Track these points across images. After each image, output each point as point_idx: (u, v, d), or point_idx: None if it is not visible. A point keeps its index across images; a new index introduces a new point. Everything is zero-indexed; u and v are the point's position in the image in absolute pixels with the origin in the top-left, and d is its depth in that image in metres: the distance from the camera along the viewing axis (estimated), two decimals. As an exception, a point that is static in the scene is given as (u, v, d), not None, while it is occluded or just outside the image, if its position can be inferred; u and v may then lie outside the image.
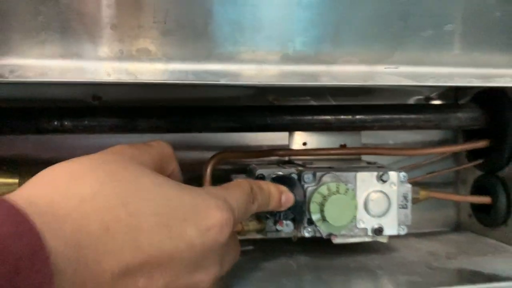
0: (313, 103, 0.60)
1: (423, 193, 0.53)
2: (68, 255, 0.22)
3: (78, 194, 0.24)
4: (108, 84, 0.55)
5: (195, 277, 0.28)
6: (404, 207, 0.48)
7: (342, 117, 0.54)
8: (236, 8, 0.33)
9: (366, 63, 0.37)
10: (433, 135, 0.63)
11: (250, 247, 0.54)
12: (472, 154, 0.59)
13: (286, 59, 0.36)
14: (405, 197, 0.48)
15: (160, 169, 0.32)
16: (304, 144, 0.59)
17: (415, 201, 0.53)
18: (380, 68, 0.38)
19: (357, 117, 0.54)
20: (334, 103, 0.59)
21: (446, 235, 0.61)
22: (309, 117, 0.54)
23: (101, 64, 0.35)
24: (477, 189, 0.59)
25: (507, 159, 0.53)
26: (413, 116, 0.54)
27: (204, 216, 0.28)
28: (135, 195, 0.26)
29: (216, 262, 0.29)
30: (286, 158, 0.57)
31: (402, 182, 0.48)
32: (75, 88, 0.56)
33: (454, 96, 0.64)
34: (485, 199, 0.56)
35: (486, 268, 0.46)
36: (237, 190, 0.34)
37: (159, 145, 0.34)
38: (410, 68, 0.38)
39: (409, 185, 0.48)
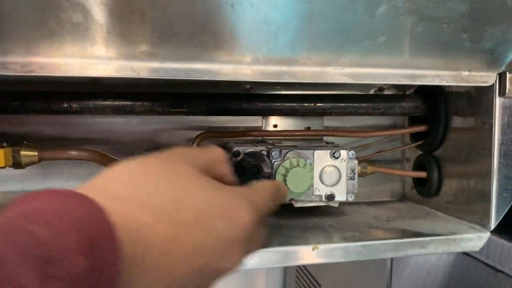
0: (283, 92, 0.70)
1: (370, 168, 0.65)
2: (129, 234, 0.26)
3: (133, 183, 0.30)
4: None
5: (222, 264, 0.32)
6: (352, 178, 0.60)
7: (306, 104, 0.65)
8: (218, 23, 0.43)
9: (319, 65, 0.48)
10: (384, 120, 0.75)
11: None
12: (414, 137, 0.71)
13: (256, 61, 0.47)
14: (352, 171, 0.60)
15: (211, 172, 0.36)
16: (275, 126, 0.70)
17: (363, 174, 0.65)
18: (329, 69, 0.49)
19: (318, 104, 0.65)
20: (300, 92, 0.70)
21: (391, 204, 0.73)
22: (279, 104, 0.65)
23: (111, 62, 0.45)
24: (417, 166, 0.71)
25: (440, 141, 0.65)
26: (363, 104, 0.66)
27: (235, 216, 0.32)
28: (182, 194, 0.31)
29: (240, 253, 0.33)
30: (260, 138, 0.68)
31: (350, 158, 0.60)
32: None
33: (403, 87, 0.75)
34: (422, 174, 0.68)
35: (415, 227, 0.58)
36: (264, 192, 0.38)
37: (213, 150, 0.38)
38: (353, 69, 0.49)
39: (356, 161, 0.59)
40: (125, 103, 0.61)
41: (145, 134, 0.68)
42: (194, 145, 0.58)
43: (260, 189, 0.38)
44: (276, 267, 1.36)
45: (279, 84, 0.61)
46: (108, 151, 0.62)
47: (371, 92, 0.75)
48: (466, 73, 0.52)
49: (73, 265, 0.21)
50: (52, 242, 0.21)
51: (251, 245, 0.35)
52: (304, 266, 1.28)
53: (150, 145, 0.67)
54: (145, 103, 0.61)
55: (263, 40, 0.45)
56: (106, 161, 0.59)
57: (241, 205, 0.33)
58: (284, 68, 0.47)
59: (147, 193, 0.30)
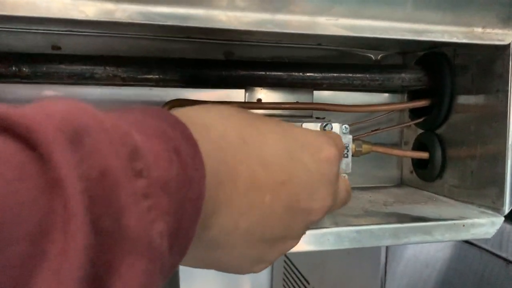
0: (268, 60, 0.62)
1: (365, 147, 0.57)
2: (214, 156, 0.24)
3: (216, 110, 0.28)
4: (68, 34, 0.57)
5: (311, 203, 0.30)
6: (345, 156, 0.52)
7: (294, 73, 0.57)
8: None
9: (308, 14, 0.40)
10: (380, 98, 0.67)
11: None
12: (414, 114, 0.64)
13: (233, 6, 0.39)
14: (346, 147, 0.52)
15: None
16: (259, 100, 0.62)
17: (358, 153, 0.57)
18: (321, 19, 0.41)
19: (308, 74, 0.57)
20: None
21: (388, 189, 0.66)
22: (263, 73, 0.57)
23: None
24: (417, 146, 0.63)
25: (444, 117, 0.58)
26: (359, 74, 0.58)
27: (318, 149, 0.30)
28: (261, 120, 0.30)
29: (330, 193, 0.31)
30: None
31: (344, 133, 0.52)
32: (35, 38, 0.57)
33: (402, 61, 0.68)
34: (424, 154, 0.60)
35: (416, 212, 0.51)
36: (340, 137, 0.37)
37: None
38: (349, 20, 0.41)
39: (350, 136, 0.52)
40: (84, 67, 0.53)
41: (112, 107, 0.59)
42: (162, 113, 0.50)
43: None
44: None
45: (262, 35, 0.52)
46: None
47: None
48: (480, 29, 0.45)
49: (161, 169, 0.19)
50: (144, 143, 0.19)
51: (336, 194, 0.32)
52: (291, 262, 1.21)
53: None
54: (107, 67, 0.53)
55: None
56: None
57: (324, 139, 0.32)
58: (267, 16, 0.39)
59: (228, 115, 0.28)
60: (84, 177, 0.16)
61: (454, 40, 0.44)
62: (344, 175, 0.52)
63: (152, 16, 0.37)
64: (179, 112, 0.26)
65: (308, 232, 0.43)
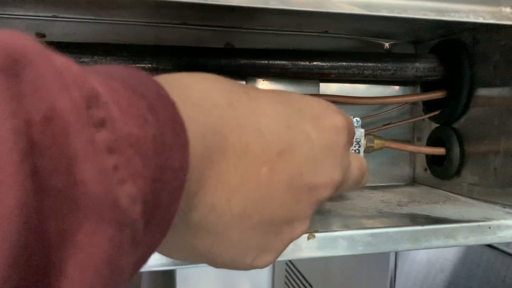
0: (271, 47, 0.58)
1: (377, 142, 0.53)
2: (197, 119, 0.21)
3: (199, 74, 0.24)
4: (53, 20, 0.52)
5: (316, 177, 0.25)
6: (356, 151, 0.47)
7: (299, 62, 0.53)
8: None
9: (318, -11, 0.36)
10: (393, 91, 0.63)
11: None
12: (428, 107, 0.59)
13: (233, -20, 0.34)
14: (357, 142, 0.47)
15: None
16: (261, 93, 0.57)
17: (369, 149, 0.53)
18: (332, -5, 0.36)
19: (314, 63, 0.53)
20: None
21: (400, 188, 0.61)
22: (265, 61, 0.52)
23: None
24: (432, 142, 0.59)
25: (462, 110, 0.53)
26: (370, 64, 0.53)
27: (322, 116, 0.27)
28: (256, 89, 0.26)
29: (338, 166, 0.27)
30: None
31: (356, 127, 0.47)
32: (19, 25, 0.52)
33: (415, 51, 0.63)
34: (440, 150, 0.55)
35: (435, 213, 0.46)
36: None
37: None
38: (364, -3, 0.37)
39: (362, 130, 0.47)
40: (70, 55, 0.48)
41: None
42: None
43: None
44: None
45: (265, 15, 0.48)
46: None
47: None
48: (508, 9, 0.40)
49: (131, 125, 0.16)
50: (109, 93, 0.16)
51: (346, 169, 0.28)
52: (293, 264, 1.17)
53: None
54: (95, 56, 0.48)
55: None
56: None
57: (329, 107, 0.28)
58: (272, -8, 0.35)
59: (214, 79, 0.24)
60: (21, 117, 0.12)
61: (481, 20, 0.39)
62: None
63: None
64: (155, 77, 0.22)
65: (317, 235, 0.38)
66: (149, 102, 0.17)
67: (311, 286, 1.07)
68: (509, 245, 0.60)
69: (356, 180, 0.31)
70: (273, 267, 1.27)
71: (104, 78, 0.16)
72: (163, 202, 0.17)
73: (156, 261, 0.33)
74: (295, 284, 1.16)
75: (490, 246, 0.63)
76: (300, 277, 1.13)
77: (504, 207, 0.47)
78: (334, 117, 0.27)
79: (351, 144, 0.31)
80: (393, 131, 0.62)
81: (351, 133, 0.29)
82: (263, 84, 0.57)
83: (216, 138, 0.22)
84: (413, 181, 0.65)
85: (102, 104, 0.15)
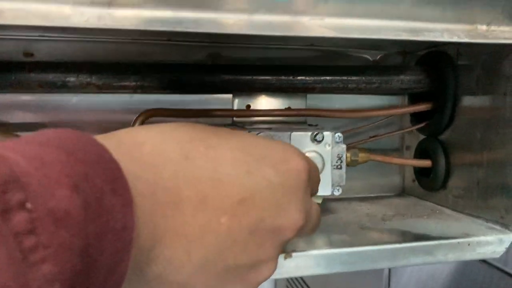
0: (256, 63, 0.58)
1: (362, 155, 0.53)
2: (146, 177, 0.21)
3: (157, 127, 0.24)
4: (40, 39, 0.53)
5: (278, 221, 0.25)
6: (338, 167, 0.48)
7: (283, 77, 0.53)
8: None
9: (288, 13, 0.36)
10: (379, 100, 0.63)
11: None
12: (415, 119, 0.59)
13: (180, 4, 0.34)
14: (339, 158, 0.48)
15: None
16: (248, 107, 0.58)
17: (354, 163, 0.53)
18: (304, 18, 0.36)
19: (298, 78, 0.53)
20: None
21: (389, 199, 0.61)
22: (249, 77, 0.53)
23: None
24: (419, 153, 0.59)
25: (448, 122, 0.53)
26: (354, 77, 0.53)
27: (283, 159, 0.27)
28: (212, 132, 0.26)
29: (299, 209, 0.27)
30: (230, 121, 0.56)
31: (337, 142, 0.47)
32: (7, 44, 0.53)
33: (402, 62, 0.63)
34: (426, 163, 0.55)
35: (417, 228, 0.46)
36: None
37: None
38: (336, 19, 0.37)
39: (343, 146, 0.47)
40: (55, 75, 0.49)
41: (89, 116, 0.55)
42: (136, 125, 0.46)
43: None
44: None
45: (240, 37, 0.48)
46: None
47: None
48: (484, 27, 0.40)
49: (55, 198, 0.16)
50: (34, 170, 0.16)
51: (309, 213, 0.28)
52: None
53: (91, 132, 0.55)
54: (80, 75, 0.49)
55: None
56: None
57: (288, 148, 0.28)
58: (243, 16, 0.35)
59: (169, 129, 0.25)
60: None
61: (455, 39, 0.39)
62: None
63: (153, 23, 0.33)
64: (108, 134, 0.23)
65: (294, 255, 0.39)
66: (86, 167, 0.17)
67: (310, 291, 1.07)
68: (507, 264, 0.60)
69: (315, 226, 0.31)
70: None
71: (36, 150, 0.17)
72: (104, 266, 0.17)
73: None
74: (295, 289, 1.16)
75: (487, 262, 0.63)
76: (301, 281, 1.14)
77: (486, 222, 0.47)
78: (296, 161, 0.27)
79: (315, 187, 0.31)
80: (382, 140, 0.62)
81: (313, 177, 0.29)
82: (250, 98, 0.57)
83: (168, 193, 0.21)
84: (402, 191, 0.65)
85: (21, 186, 0.15)
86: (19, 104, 0.55)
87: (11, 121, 0.55)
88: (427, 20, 0.39)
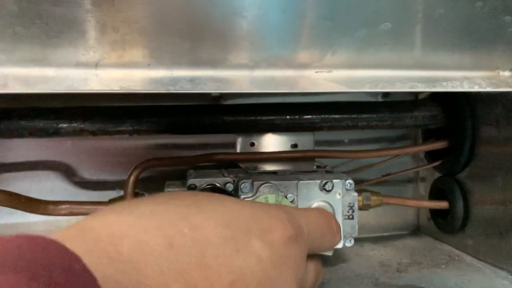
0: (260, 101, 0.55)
1: (374, 199, 0.50)
2: (128, 279, 0.19)
3: (134, 211, 0.23)
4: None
5: None
6: (350, 217, 0.44)
7: (288, 117, 0.50)
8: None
9: (293, 67, 0.33)
10: (392, 132, 0.59)
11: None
12: (431, 154, 0.55)
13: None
14: (351, 207, 0.44)
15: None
16: (252, 144, 0.54)
17: (366, 207, 0.50)
18: (310, 72, 0.33)
19: (305, 117, 0.50)
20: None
21: (403, 239, 0.58)
22: (253, 118, 0.50)
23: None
24: (435, 192, 0.55)
25: (465, 161, 0.50)
26: (364, 115, 0.50)
27: (267, 228, 0.26)
28: (195, 206, 0.24)
29: (292, 280, 0.26)
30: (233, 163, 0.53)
31: (348, 190, 0.44)
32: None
33: (415, 93, 0.60)
34: (442, 204, 0.52)
35: (435, 283, 0.43)
36: (315, 212, 0.32)
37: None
38: (344, 71, 0.34)
39: (355, 194, 0.44)
40: (46, 122, 0.46)
41: (81, 161, 0.53)
42: (131, 180, 0.43)
43: (312, 209, 0.34)
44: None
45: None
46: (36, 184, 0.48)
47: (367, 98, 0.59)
48: (507, 73, 0.37)
49: None
50: None
51: (301, 280, 0.27)
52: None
53: (86, 177, 0.52)
54: (73, 121, 0.46)
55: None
56: (18, 203, 0.44)
57: (270, 213, 0.27)
58: (243, 73, 0.32)
59: (149, 213, 0.23)
60: None
61: (476, 88, 0.36)
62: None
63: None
64: (82, 226, 0.21)
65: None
66: (49, 282, 0.15)
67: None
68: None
69: (312, 283, 0.30)
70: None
71: None
72: None
73: None
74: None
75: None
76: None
77: (510, 274, 0.44)
78: (280, 229, 0.26)
79: (317, 245, 0.30)
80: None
81: (303, 240, 0.28)
82: (255, 136, 0.54)
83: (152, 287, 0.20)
84: (417, 229, 0.61)
85: None
86: (12, 145, 0.53)
87: (5, 161, 0.53)
88: (444, 68, 0.35)
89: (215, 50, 0.32)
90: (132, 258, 0.20)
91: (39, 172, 0.53)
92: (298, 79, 0.33)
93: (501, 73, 0.36)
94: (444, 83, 0.35)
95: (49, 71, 0.30)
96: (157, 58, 0.31)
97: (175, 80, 0.31)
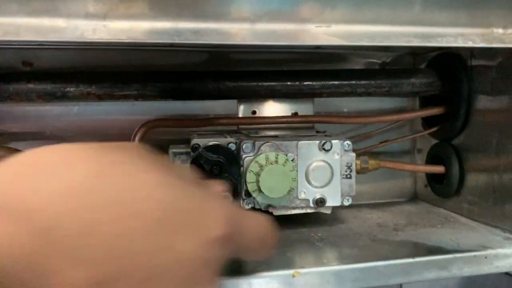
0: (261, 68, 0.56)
1: (372, 163, 0.51)
2: (34, 258, 0.19)
3: (56, 188, 0.20)
4: (40, 48, 0.52)
5: None
6: (348, 177, 0.46)
7: (288, 83, 0.51)
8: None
9: (294, 21, 0.34)
10: (390, 102, 0.61)
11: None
12: (428, 122, 0.57)
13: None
14: (349, 167, 0.46)
15: None
16: (254, 113, 0.56)
17: (364, 171, 0.51)
18: (310, 26, 0.35)
19: (305, 83, 0.51)
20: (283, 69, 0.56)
21: (400, 205, 0.59)
22: (254, 84, 0.51)
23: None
24: (431, 158, 0.57)
25: (461, 126, 0.51)
26: (363, 82, 0.52)
27: (204, 228, 0.23)
28: (126, 194, 0.21)
29: (211, 280, 0.24)
30: (235, 128, 0.54)
31: (346, 151, 0.46)
32: (5, 54, 0.52)
33: (413, 63, 0.61)
34: (439, 169, 0.53)
35: (431, 239, 0.44)
36: (258, 217, 0.29)
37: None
38: (343, 26, 0.35)
39: (353, 154, 0.46)
40: (55, 85, 0.47)
41: (88, 127, 0.54)
42: (137, 138, 0.44)
43: (250, 214, 0.28)
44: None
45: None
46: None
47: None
48: (500, 30, 0.38)
49: None
50: None
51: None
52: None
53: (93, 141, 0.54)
54: (80, 85, 0.48)
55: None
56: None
57: (215, 212, 0.24)
58: (245, 25, 0.34)
59: (69, 192, 0.20)
60: None
61: (470, 44, 0.37)
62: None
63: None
64: None
65: (303, 272, 0.37)
66: None
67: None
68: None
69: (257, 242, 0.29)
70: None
71: None
72: None
73: None
74: None
75: (508, 274, 0.61)
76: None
77: (503, 232, 0.45)
78: (217, 229, 0.24)
79: (234, 251, 0.27)
80: (392, 143, 0.60)
81: (233, 243, 0.25)
82: (256, 104, 0.55)
83: (64, 278, 0.19)
84: (414, 197, 0.63)
85: None
86: (18, 114, 0.54)
87: (11, 130, 0.54)
88: (440, 25, 0.37)
89: (218, 3, 0.33)
90: (43, 237, 0.19)
91: (44, 142, 0.55)
92: (298, 33, 0.34)
93: (495, 30, 0.38)
94: (439, 39, 0.36)
95: (60, 21, 0.31)
96: (163, 11, 0.32)
97: (179, 32, 0.33)
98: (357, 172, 0.50)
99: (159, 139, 0.54)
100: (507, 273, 0.51)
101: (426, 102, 0.57)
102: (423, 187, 0.60)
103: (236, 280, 0.35)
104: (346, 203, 0.46)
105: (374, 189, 0.61)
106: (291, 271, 0.37)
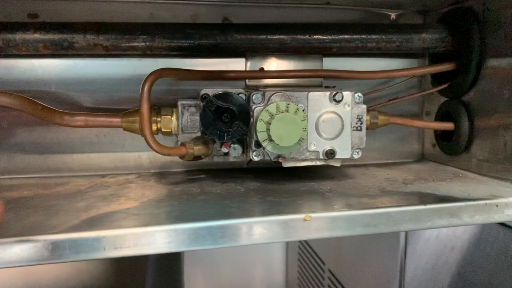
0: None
1: (382, 118, 0.51)
2: None
3: None
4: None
5: None
6: (358, 129, 0.46)
7: (298, 36, 0.51)
8: None
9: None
10: (398, 63, 0.60)
11: (202, 176, 0.52)
12: (437, 80, 0.56)
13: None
14: (359, 119, 0.45)
15: None
16: (261, 69, 0.55)
17: (374, 126, 0.51)
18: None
19: (315, 36, 0.51)
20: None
21: (408, 165, 0.59)
22: (263, 37, 0.50)
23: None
24: (440, 117, 0.56)
25: (471, 82, 0.51)
26: (374, 36, 0.51)
27: None
28: None
29: None
30: (243, 86, 0.54)
31: (357, 103, 0.45)
32: (10, 5, 0.51)
33: (423, 21, 0.60)
34: (448, 125, 0.53)
35: (441, 190, 0.44)
36: None
37: None
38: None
39: (364, 106, 0.45)
40: (61, 36, 0.47)
41: (94, 82, 0.53)
42: (146, 86, 0.44)
43: None
44: (276, 243, 1.24)
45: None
46: (48, 103, 0.49)
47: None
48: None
49: None
50: None
51: None
52: (306, 242, 1.16)
53: (98, 98, 0.53)
54: (87, 35, 0.47)
55: None
56: (35, 109, 0.44)
57: None
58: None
59: None
60: None
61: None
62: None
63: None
64: None
65: (314, 216, 0.37)
66: None
67: (323, 263, 1.06)
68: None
69: None
70: (287, 245, 1.26)
71: None
72: None
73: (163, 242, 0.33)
74: (308, 262, 1.15)
75: (505, 225, 0.61)
76: (313, 254, 1.13)
77: (514, 184, 0.45)
78: None
79: None
80: (401, 105, 0.60)
81: None
82: (264, 61, 0.55)
83: None
84: (421, 157, 0.62)
85: None
86: (25, 66, 0.53)
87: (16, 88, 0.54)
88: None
89: None
90: None
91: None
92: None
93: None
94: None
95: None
96: None
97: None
98: (367, 128, 0.49)
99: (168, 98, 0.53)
100: (504, 225, 0.51)
101: (436, 62, 0.56)
102: (431, 147, 0.60)
103: (258, 219, 0.35)
104: (355, 156, 0.46)
105: (381, 150, 0.61)
106: (302, 215, 0.37)
